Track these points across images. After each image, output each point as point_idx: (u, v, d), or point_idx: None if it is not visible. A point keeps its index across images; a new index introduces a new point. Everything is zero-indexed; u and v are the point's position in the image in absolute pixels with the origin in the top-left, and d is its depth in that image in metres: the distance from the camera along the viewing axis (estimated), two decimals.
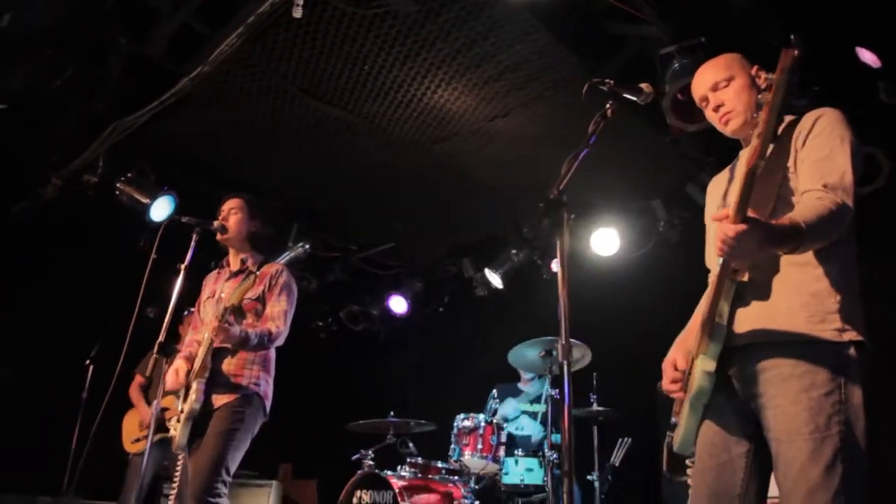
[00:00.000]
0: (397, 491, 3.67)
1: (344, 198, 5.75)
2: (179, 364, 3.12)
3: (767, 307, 1.67)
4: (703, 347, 1.68)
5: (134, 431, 4.93)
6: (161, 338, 2.98)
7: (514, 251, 5.94)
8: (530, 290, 6.04)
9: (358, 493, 3.96)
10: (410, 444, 4.68)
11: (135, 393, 5.06)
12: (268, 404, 3.17)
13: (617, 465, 4.12)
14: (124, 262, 6.17)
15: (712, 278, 1.83)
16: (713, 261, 1.95)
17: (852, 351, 1.61)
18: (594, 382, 4.26)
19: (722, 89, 1.94)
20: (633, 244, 5.25)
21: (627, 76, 4.09)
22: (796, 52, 1.55)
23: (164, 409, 4.93)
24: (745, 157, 1.83)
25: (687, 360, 1.84)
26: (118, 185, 5.13)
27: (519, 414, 4.96)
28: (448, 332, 6.95)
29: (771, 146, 1.69)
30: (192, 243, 3.22)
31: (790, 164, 1.76)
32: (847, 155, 1.71)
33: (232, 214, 3.39)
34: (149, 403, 5.01)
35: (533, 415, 4.91)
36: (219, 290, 3.32)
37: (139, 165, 5.23)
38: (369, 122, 4.59)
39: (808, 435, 1.53)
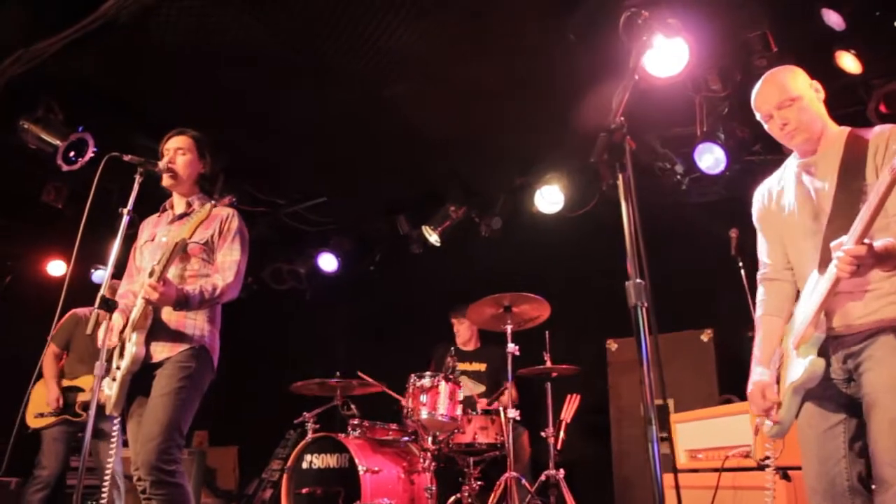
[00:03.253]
0: (353, 452, 3.50)
1: (276, 148, 5.40)
2: (115, 318, 2.77)
3: (864, 303, 1.93)
4: (808, 339, 1.95)
5: (40, 405, 4.46)
6: (102, 291, 2.64)
7: (452, 207, 5.81)
8: (467, 247, 5.95)
9: (308, 457, 3.75)
10: (352, 406, 4.51)
11: (47, 365, 4.55)
12: (215, 359, 2.91)
13: (568, 420, 4.14)
14: (24, 210, 5.59)
15: (802, 285, 2.10)
16: (777, 258, 2.23)
17: None
18: (546, 340, 4.24)
19: (787, 108, 2.10)
20: (576, 203, 5.25)
21: (590, 29, 4.02)
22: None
23: (77, 390, 4.52)
24: (802, 169, 2.14)
25: (773, 381, 2.08)
26: (23, 123, 4.56)
27: (458, 374, 4.90)
28: (380, 291, 6.78)
29: (840, 157, 2.01)
30: (136, 185, 2.85)
31: (868, 175, 1.95)
32: None
33: (179, 155, 3.04)
34: (63, 376, 4.56)
35: (472, 374, 4.86)
36: (159, 233, 2.98)
37: (46, 102, 4.67)
38: (316, 64, 4.28)
39: None
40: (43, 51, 4.09)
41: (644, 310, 1.35)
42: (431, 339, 5.44)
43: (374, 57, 4.17)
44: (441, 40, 4.08)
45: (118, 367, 2.72)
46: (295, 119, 4.97)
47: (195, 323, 2.79)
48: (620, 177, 1.49)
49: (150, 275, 2.67)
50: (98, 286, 6.46)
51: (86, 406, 4.45)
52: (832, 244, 1.79)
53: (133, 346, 2.65)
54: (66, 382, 4.55)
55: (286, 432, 6.53)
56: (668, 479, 3.37)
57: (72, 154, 4.65)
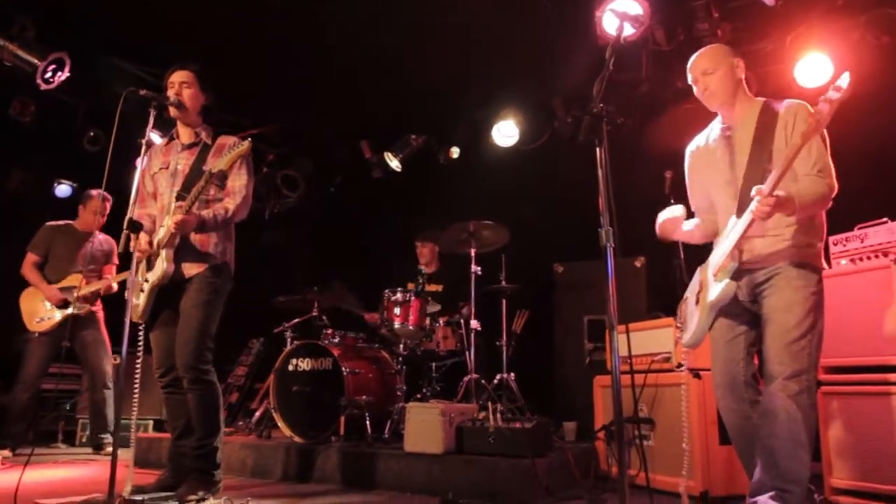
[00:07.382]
0: (337, 357, 4.01)
1: (247, 72, 5.58)
2: (142, 237, 3.11)
3: (766, 241, 2.45)
4: (725, 267, 2.45)
5: (38, 311, 4.76)
6: (129, 213, 2.95)
7: (413, 136, 6.19)
8: (426, 173, 6.37)
9: (294, 360, 4.23)
10: (324, 318, 4.99)
11: (31, 272, 4.83)
12: (232, 270, 3.28)
13: (518, 332, 4.77)
14: None
15: (721, 225, 2.59)
16: (701, 203, 2.79)
17: (823, 272, 2.47)
18: (502, 263, 4.79)
19: (709, 75, 2.58)
20: (529, 138, 5.73)
21: None
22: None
23: (69, 288, 4.82)
24: (724, 131, 2.62)
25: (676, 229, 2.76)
26: None
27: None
28: (340, 213, 7.15)
29: (755, 124, 2.48)
30: (151, 119, 3.11)
31: (777, 141, 2.42)
32: (824, 145, 2.39)
33: (185, 88, 3.26)
34: (48, 281, 4.83)
35: (430, 294, 5.38)
36: (173, 161, 3.26)
37: (20, 21, 4.71)
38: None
39: (799, 310, 2.37)
40: None
41: (612, 249, 1.88)
42: (392, 259, 5.90)
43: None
44: None
45: (146, 280, 3.09)
46: (277, 51, 5.19)
47: (215, 242, 3.15)
48: (598, 150, 1.94)
49: (178, 198, 3.01)
50: (59, 199, 6.65)
51: (83, 298, 4.78)
52: (753, 191, 2.29)
53: (163, 261, 3.01)
54: (54, 285, 4.84)
55: (248, 341, 6.98)
56: (599, 379, 4.05)
57: (48, 73, 4.77)
